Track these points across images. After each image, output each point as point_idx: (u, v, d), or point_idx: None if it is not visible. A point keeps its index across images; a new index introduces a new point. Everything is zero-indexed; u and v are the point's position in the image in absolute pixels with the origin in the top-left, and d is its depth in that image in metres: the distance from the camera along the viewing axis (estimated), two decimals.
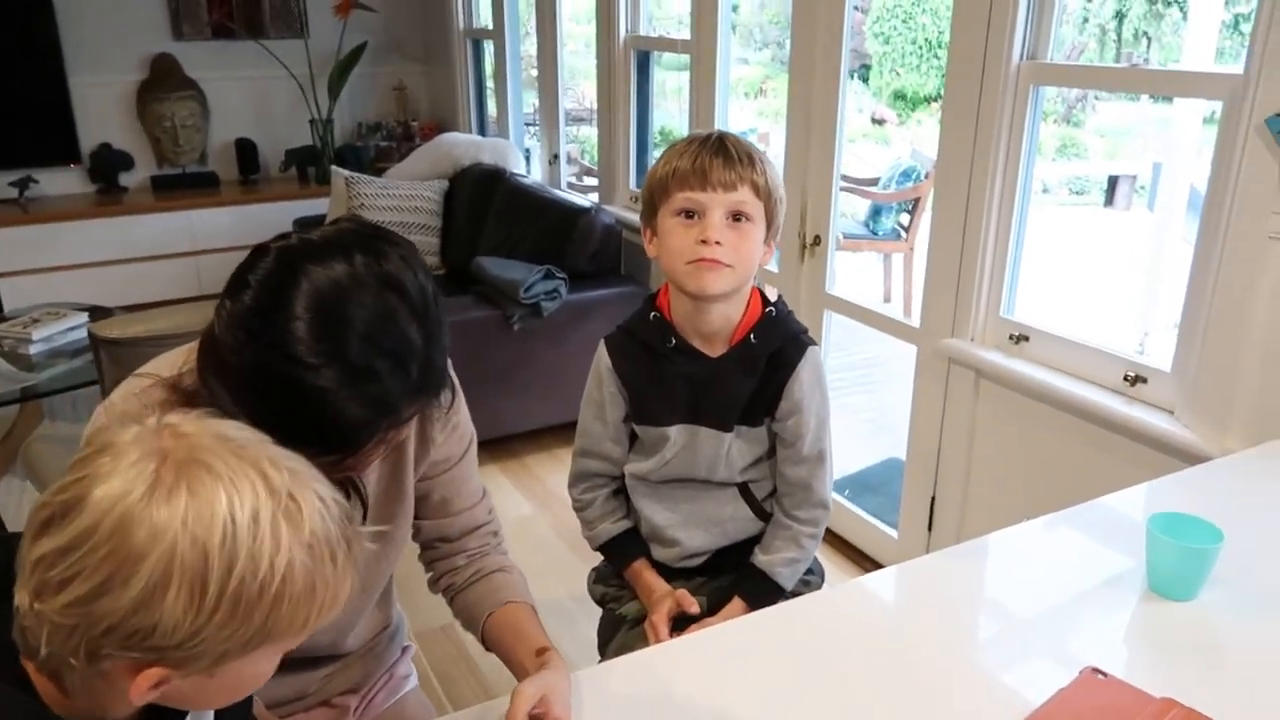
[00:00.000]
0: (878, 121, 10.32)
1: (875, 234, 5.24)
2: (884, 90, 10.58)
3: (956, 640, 1.10)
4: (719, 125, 3.08)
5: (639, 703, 1.00)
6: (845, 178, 5.51)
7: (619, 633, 1.47)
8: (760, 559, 1.44)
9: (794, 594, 1.48)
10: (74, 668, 0.63)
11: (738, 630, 1.14)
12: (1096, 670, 0.98)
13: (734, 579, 1.45)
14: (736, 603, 1.41)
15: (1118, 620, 1.12)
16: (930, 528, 2.45)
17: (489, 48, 4.63)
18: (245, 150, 4.85)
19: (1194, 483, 1.45)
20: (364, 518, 1.04)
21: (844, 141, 2.58)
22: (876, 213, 5.26)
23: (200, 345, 0.87)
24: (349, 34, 4.73)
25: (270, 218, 4.55)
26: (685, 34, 3.12)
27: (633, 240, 3.55)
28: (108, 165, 4.61)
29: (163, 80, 4.60)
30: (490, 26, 4.46)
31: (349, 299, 0.82)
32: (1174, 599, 1.12)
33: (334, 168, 4.30)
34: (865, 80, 10.73)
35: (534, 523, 2.96)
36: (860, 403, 3.97)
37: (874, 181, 5.42)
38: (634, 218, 3.51)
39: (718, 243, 1.26)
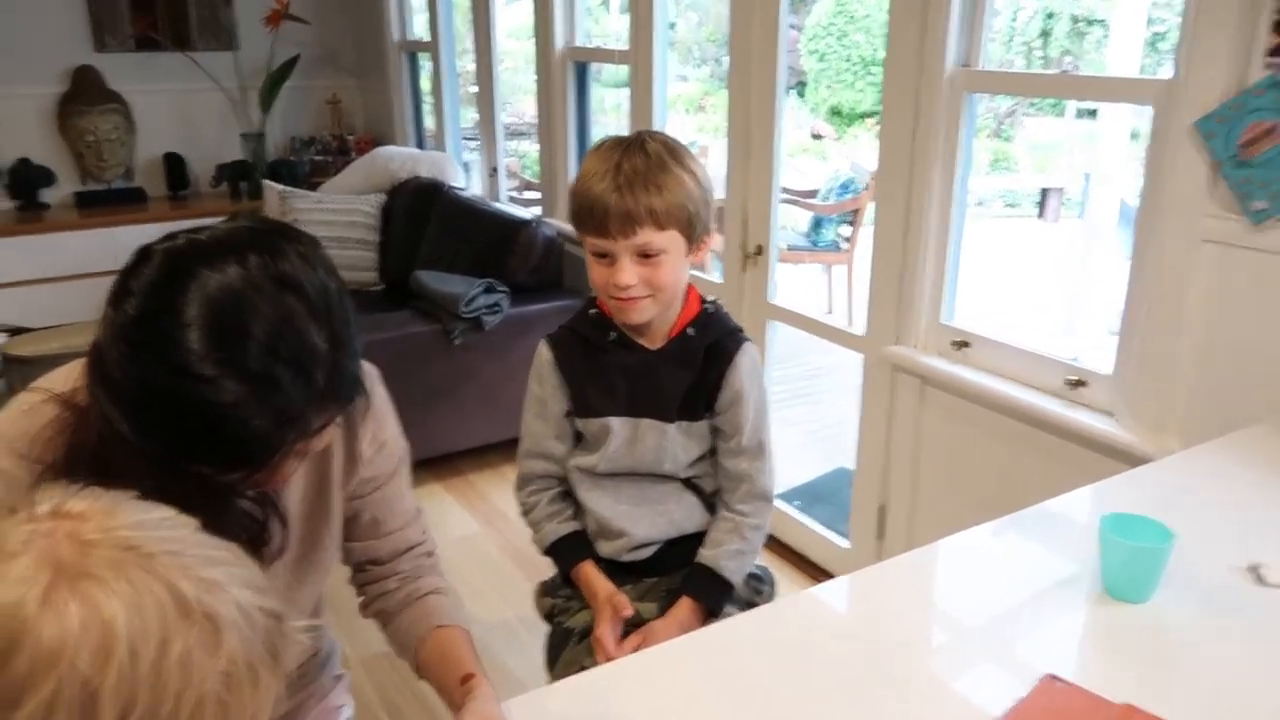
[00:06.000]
0: (816, 136, 10.45)
1: (816, 245, 5.28)
2: (821, 106, 10.72)
3: (911, 650, 1.08)
4: None
5: None
6: (786, 190, 5.56)
7: (566, 647, 1.43)
8: (705, 554, 1.43)
9: (747, 604, 1.46)
10: None
11: (686, 645, 1.11)
12: (1055, 678, 0.97)
13: (682, 579, 1.43)
14: (684, 603, 1.40)
15: (1072, 625, 1.11)
16: (881, 536, 2.45)
17: (426, 62, 4.57)
18: (174, 165, 4.70)
19: (1138, 484, 1.46)
20: (283, 539, 0.98)
21: (782, 154, 2.58)
22: (817, 225, 5.31)
23: (88, 358, 0.81)
24: (280, 46, 4.62)
25: None
26: (624, 47, 3.11)
27: (574, 253, 3.51)
28: (27, 181, 4.42)
29: (84, 93, 4.43)
30: (427, 39, 4.40)
31: (243, 303, 0.76)
32: (1128, 601, 1.11)
33: (266, 182, 4.19)
34: (802, 95, 10.87)
35: (480, 541, 2.90)
36: (805, 414, 3.98)
37: (813, 194, 5.47)
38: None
39: (630, 284, 1.29)
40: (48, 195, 4.51)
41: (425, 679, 1.09)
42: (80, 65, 4.43)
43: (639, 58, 3.01)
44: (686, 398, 1.40)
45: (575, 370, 1.42)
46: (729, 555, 1.41)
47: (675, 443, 1.41)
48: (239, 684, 0.57)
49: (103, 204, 4.51)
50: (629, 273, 1.28)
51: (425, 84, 4.73)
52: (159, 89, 4.62)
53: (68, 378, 0.90)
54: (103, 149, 4.50)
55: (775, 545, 2.78)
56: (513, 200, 4.26)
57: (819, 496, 3.10)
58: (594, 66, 3.54)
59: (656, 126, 3.04)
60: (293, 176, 4.61)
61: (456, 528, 2.97)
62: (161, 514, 0.61)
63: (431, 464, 3.24)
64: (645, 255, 1.29)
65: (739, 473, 1.43)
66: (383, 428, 1.11)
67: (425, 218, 3.78)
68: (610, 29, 9.18)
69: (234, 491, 0.88)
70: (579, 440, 1.48)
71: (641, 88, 3.03)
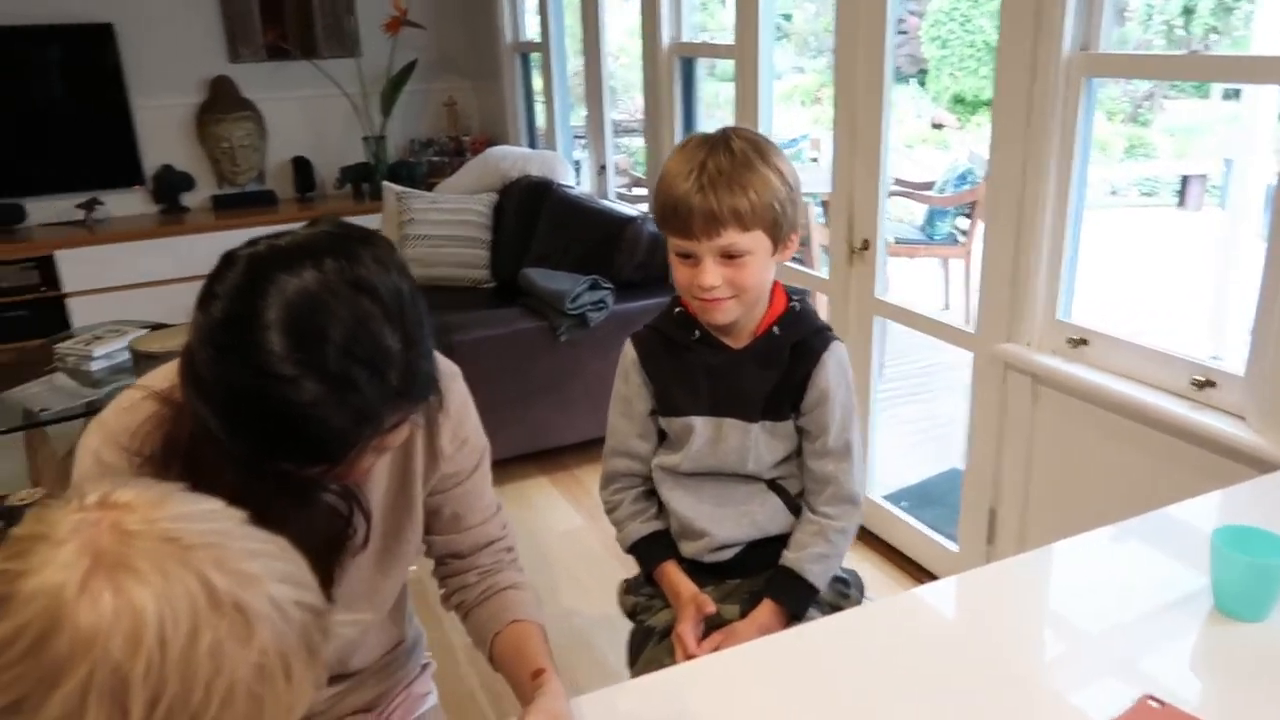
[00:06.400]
0: (937, 126, 10.14)
1: (931, 239, 5.12)
2: (942, 94, 10.39)
3: (1006, 659, 1.03)
4: (763, 131, 3.02)
5: None
6: (900, 182, 5.42)
7: (648, 646, 1.43)
8: (788, 557, 1.40)
9: (832, 608, 1.42)
10: None
11: (765, 647, 1.09)
12: (1151, 698, 0.91)
13: (765, 582, 1.41)
14: (766, 605, 1.37)
15: (1182, 641, 1.04)
16: (991, 540, 2.36)
17: (539, 62, 4.64)
18: (302, 168, 4.93)
19: (1267, 491, 1.36)
20: (366, 532, 1.01)
21: (890, 145, 2.51)
22: (933, 218, 5.15)
23: (181, 359, 0.85)
24: (399, 51, 4.78)
25: None
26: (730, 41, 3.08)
27: None
28: (170, 186, 4.72)
29: (220, 102, 4.70)
30: (539, 40, 4.48)
31: (320, 307, 0.79)
32: (1242, 619, 1.04)
33: (385, 184, 4.34)
34: (922, 84, 10.56)
35: (583, 535, 2.93)
36: (917, 412, 3.87)
37: (930, 185, 5.31)
38: None
39: (714, 285, 1.27)
40: (188, 199, 4.80)
41: (499, 671, 1.11)
42: (216, 75, 4.69)
43: (744, 51, 2.98)
44: (771, 397, 1.37)
45: (659, 369, 1.42)
46: (813, 559, 1.38)
47: (759, 443, 1.38)
48: (271, 676, 0.58)
49: (237, 206, 4.78)
50: (712, 274, 1.26)
51: (538, 84, 4.80)
52: (288, 96, 4.85)
53: (166, 375, 0.95)
54: (237, 155, 4.75)
55: (881, 547, 2.72)
56: (621, 197, 4.28)
57: (930, 498, 3.00)
58: (707, 61, 3.52)
59: (763, 121, 3.00)
60: (411, 177, 4.76)
61: (561, 521, 3.01)
62: (207, 506, 0.63)
63: (537, 458, 3.29)
64: (729, 256, 1.26)
65: (825, 475, 1.40)
66: (464, 425, 1.13)
67: (535, 216, 3.84)
68: (725, 22, 9.13)
69: (317, 486, 0.91)
70: (663, 439, 1.47)
71: (747, 82, 3.00)
